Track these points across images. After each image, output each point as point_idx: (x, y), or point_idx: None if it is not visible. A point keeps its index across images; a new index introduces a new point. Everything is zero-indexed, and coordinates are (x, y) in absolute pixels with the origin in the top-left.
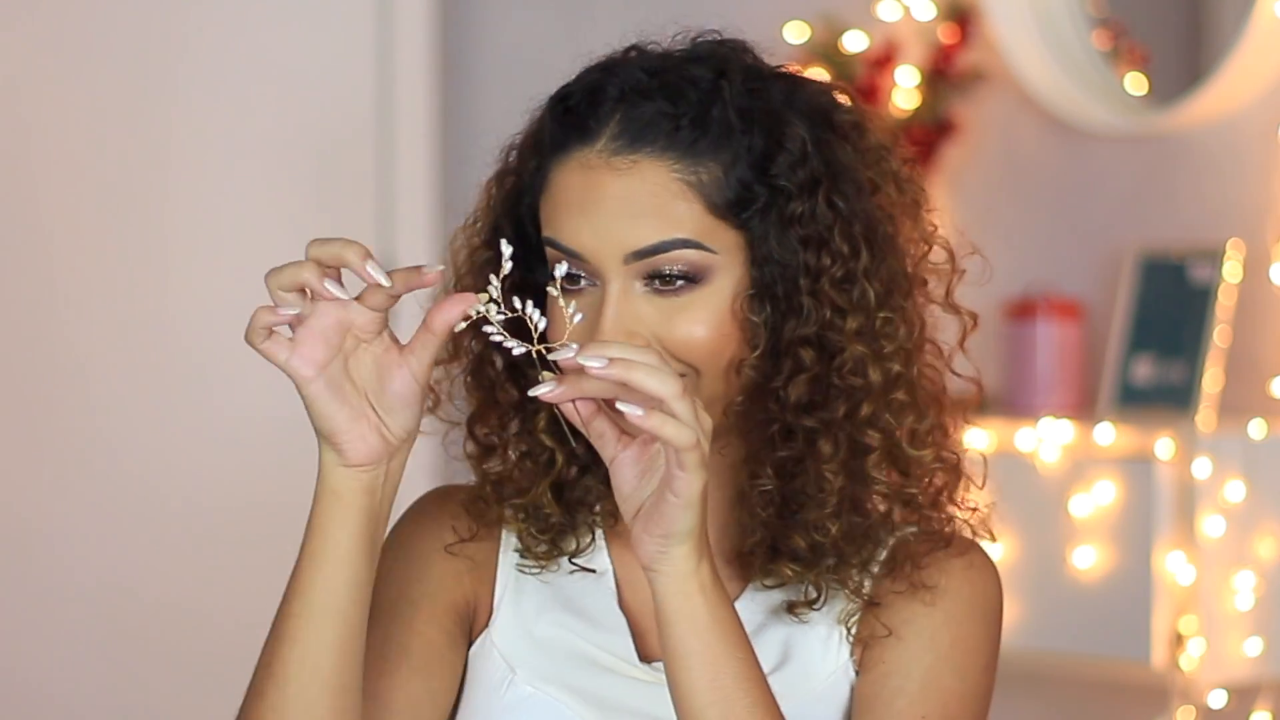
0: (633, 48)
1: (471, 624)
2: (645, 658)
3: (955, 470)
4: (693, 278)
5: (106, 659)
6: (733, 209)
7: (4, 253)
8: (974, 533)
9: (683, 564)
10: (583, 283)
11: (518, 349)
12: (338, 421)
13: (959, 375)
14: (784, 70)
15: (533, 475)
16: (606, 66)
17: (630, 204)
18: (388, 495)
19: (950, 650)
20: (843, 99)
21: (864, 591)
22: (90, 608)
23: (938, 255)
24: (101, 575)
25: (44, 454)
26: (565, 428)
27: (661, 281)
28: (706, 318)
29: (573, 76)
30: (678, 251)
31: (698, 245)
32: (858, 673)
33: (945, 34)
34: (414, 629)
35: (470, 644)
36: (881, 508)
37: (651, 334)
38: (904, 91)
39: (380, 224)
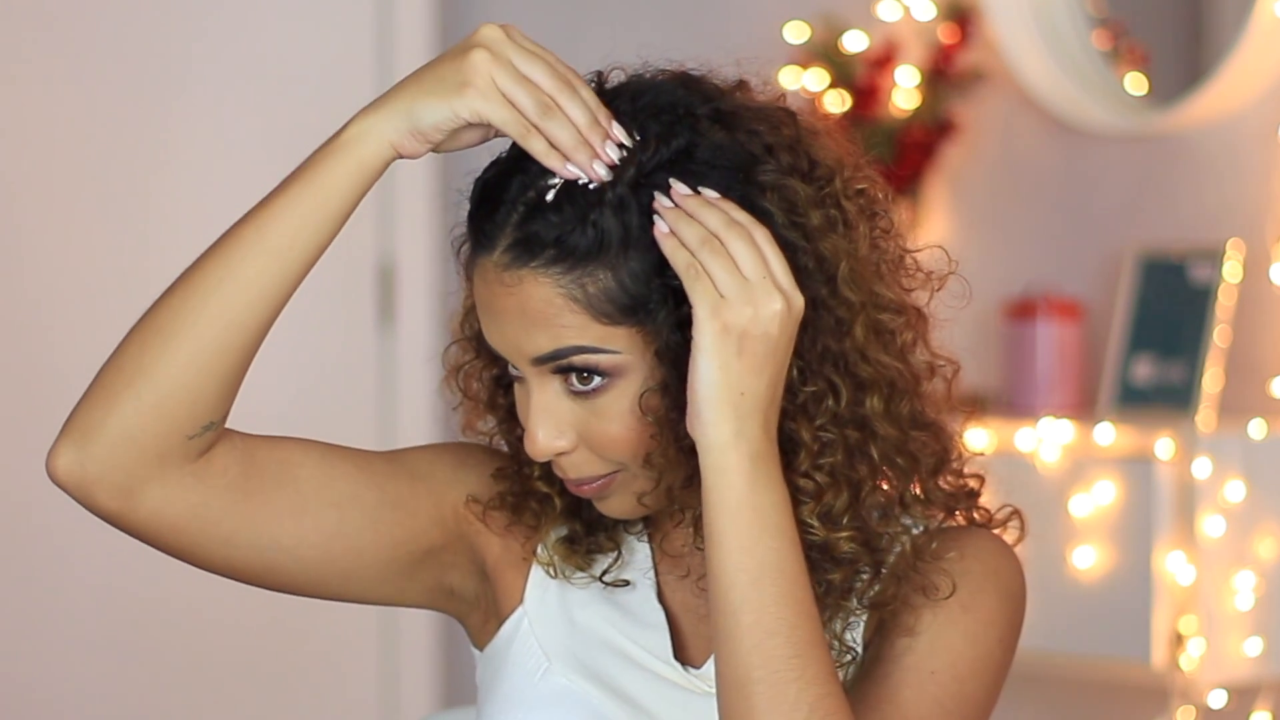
0: (595, 76)
1: (481, 598)
2: (682, 660)
3: (972, 495)
4: (604, 373)
5: (106, 659)
6: (625, 312)
7: (5, 253)
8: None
9: (713, 432)
10: (519, 372)
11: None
12: (443, 127)
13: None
14: (723, 109)
15: (539, 515)
16: (520, 154)
17: (521, 317)
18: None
19: (961, 615)
20: (787, 130)
21: (863, 602)
22: (90, 607)
23: (916, 277)
24: (101, 575)
25: (43, 454)
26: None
27: (579, 379)
28: (619, 414)
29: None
30: (577, 357)
31: (594, 350)
32: (865, 645)
33: (945, 34)
34: (414, 483)
35: (501, 622)
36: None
37: (577, 434)
38: (904, 91)
39: (380, 224)
